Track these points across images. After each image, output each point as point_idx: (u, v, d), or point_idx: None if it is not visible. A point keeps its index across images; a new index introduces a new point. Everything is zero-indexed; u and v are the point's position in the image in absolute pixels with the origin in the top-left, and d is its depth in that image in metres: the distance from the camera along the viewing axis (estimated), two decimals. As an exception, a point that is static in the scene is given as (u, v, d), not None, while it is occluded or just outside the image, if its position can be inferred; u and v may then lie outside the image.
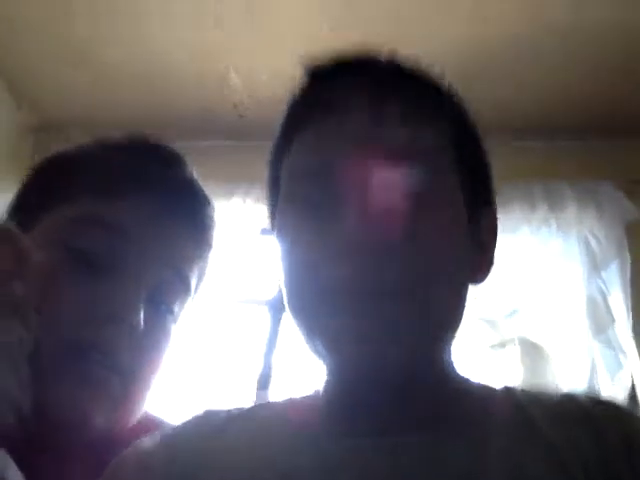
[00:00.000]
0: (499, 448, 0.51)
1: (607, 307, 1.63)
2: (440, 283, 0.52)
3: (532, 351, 1.61)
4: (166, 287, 0.65)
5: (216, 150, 2.05)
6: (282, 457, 0.52)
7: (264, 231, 1.90)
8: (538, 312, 1.69)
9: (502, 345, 1.69)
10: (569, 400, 0.56)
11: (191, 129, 2.07)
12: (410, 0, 1.62)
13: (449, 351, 0.58)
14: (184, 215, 0.68)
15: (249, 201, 1.92)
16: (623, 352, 1.57)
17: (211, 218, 0.72)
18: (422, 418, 0.53)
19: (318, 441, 0.53)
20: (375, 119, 0.54)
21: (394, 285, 0.49)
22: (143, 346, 0.63)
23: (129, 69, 1.94)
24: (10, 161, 2.10)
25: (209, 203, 0.73)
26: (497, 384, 0.60)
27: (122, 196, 0.64)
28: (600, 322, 1.61)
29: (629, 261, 1.69)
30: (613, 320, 1.61)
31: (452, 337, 0.57)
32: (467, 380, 0.60)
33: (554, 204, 1.79)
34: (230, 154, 2.03)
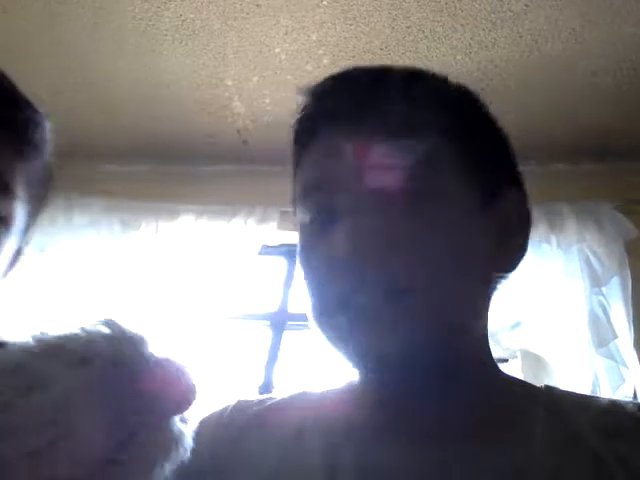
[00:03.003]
0: (540, 457, 0.50)
1: (609, 321, 1.63)
2: (440, 279, 0.51)
3: (534, 364, 1.61)
4: None
5: (220, 174, 2.08)
6: (321, 451, 0.53)
7: (262, 251, 1.92)
8: (540, 325, 1.69)
9: (504, 358, 1.69)
10: (616, 408, 0.55)
11: (195, 154, 2.10)
12: (409, 33, 1.65)
13: (484, 348, 0.57)
14: None
15: (250, 222, 1.94)
16: (625, 365, 1.56)
17: (30, 120, 0.70)
18: (457, 418, 0.53)
19: (356, 438, 0.54)
20: (361, 133, 0.54)
21: (390, 288, 0.50)
22: None
23: (133, 93, 1.97)
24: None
25: (27, 106, 0.71)
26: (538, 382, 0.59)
27: None
28: (602, 336, 1.61)
29: (629, 277, 1.70)
30: (615, 334, 1.61)
31: (477, 331, 0.56)
32: (508, 377, 0.59)
33: (554, 223, 1.80)
34: (233, 178, 2.06)
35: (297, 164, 0.60)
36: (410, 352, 0.50)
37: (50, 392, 0.40)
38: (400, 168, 0.52)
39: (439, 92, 0.59)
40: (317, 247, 0.54)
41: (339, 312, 0.51)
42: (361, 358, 0.52)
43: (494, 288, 0.58)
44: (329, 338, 0.54)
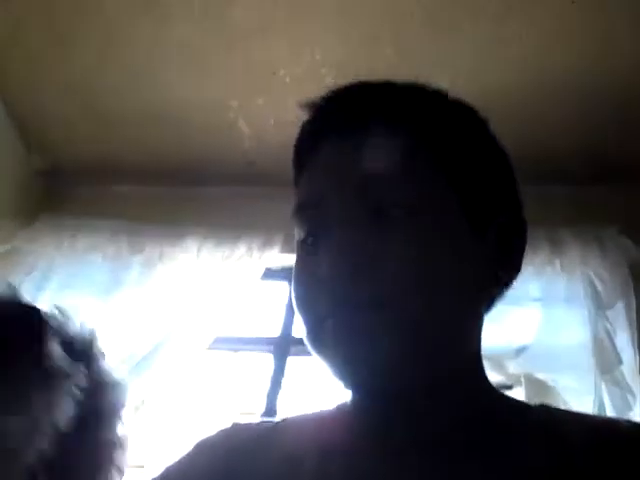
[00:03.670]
0: (531, 474, 0.50)
1: (613, 347, 1.61)
2: (418, 294, 0.51)
3: (539, 389, 1.59)
4: None
5: (224, 196, 2.08)
6: (315, 473, 0.54)
7: (266, 275, 1.91)
8: (545, 351, 1.68)
9: (508, 385, 1.67)
10: (610, 425, 0.55)
11: (200, 176, 2.10)
12: (413, 52, 1.67)
13: (474, 367, 0.57)
14: None
15: (254, 246, 1.93)
16: (631, 392, 1.54)
17: None
18: (447, 435, 0.53)
19: (349, 458, 0.54)
20: (351, 153, 0.55)
21: (369, 302, 0.50)
22: None
23: (139, 115, 1.99)
24: (20, 205, 2.12)
25: None
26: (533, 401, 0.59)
27: None
28: (607, 362, 1.60)
29: (634, 301, 1.68)
30: (620, 360, 1.59)
31: (465, 349, 0.56)
32: (501, 396, 0.59)
33: (556, 246, 1.80)
34: (238, 200, 2.05)
35: (296, 183, 0.61)
36: (390, 366, 0.50)
37: None
38: (390, 186, 0.53)
39: (439, 111, 0.59)
40: (306, 266, 0.55)
41: (323, 329, 0.51)
42: (345, 375, 0.52)
43: (484, 307, 0.58)
44: (319, 356, 0.54)
